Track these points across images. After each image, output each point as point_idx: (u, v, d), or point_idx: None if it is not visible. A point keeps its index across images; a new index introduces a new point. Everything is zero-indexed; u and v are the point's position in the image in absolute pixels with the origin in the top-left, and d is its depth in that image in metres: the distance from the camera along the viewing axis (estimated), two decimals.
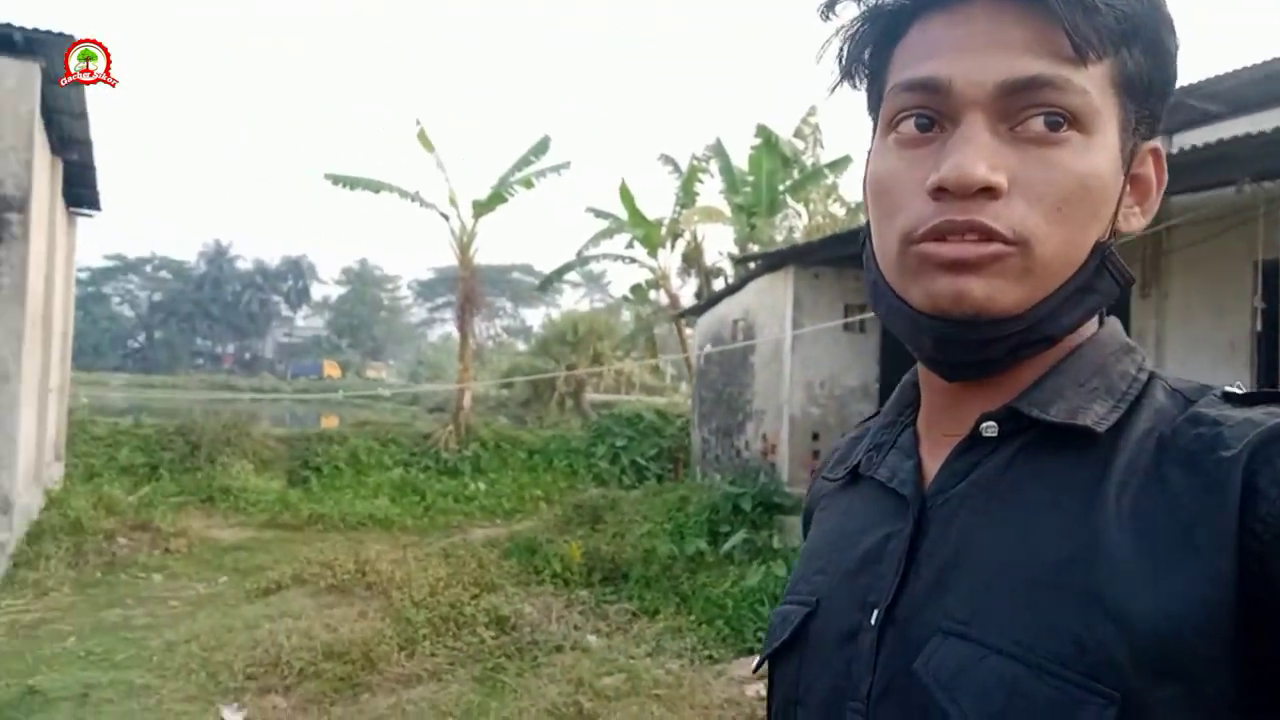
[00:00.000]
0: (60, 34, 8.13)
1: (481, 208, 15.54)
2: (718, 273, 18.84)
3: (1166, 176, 0.70)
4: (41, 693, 5.08)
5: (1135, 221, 0.70)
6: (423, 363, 55.99)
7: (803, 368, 9.87)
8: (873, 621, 0.70)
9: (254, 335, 70.33)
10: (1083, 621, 0.59)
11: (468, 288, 16.27)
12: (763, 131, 16.45)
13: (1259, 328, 6.12)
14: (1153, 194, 0.70)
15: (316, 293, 73.64)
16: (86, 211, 13.09)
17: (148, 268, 67.03)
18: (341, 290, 72.69)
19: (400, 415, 22.68)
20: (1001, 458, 0.69)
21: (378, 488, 12.65)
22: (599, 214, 18.66)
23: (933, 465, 0.74)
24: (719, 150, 17.47)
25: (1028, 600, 0.62)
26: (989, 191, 0.64)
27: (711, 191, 23.49)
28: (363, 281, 71.71)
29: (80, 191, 12.08)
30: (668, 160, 18.62)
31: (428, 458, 14.15)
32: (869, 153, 0.75)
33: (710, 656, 5.97)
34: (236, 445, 13.18)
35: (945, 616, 0.65)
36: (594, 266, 23.87)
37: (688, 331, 16.97)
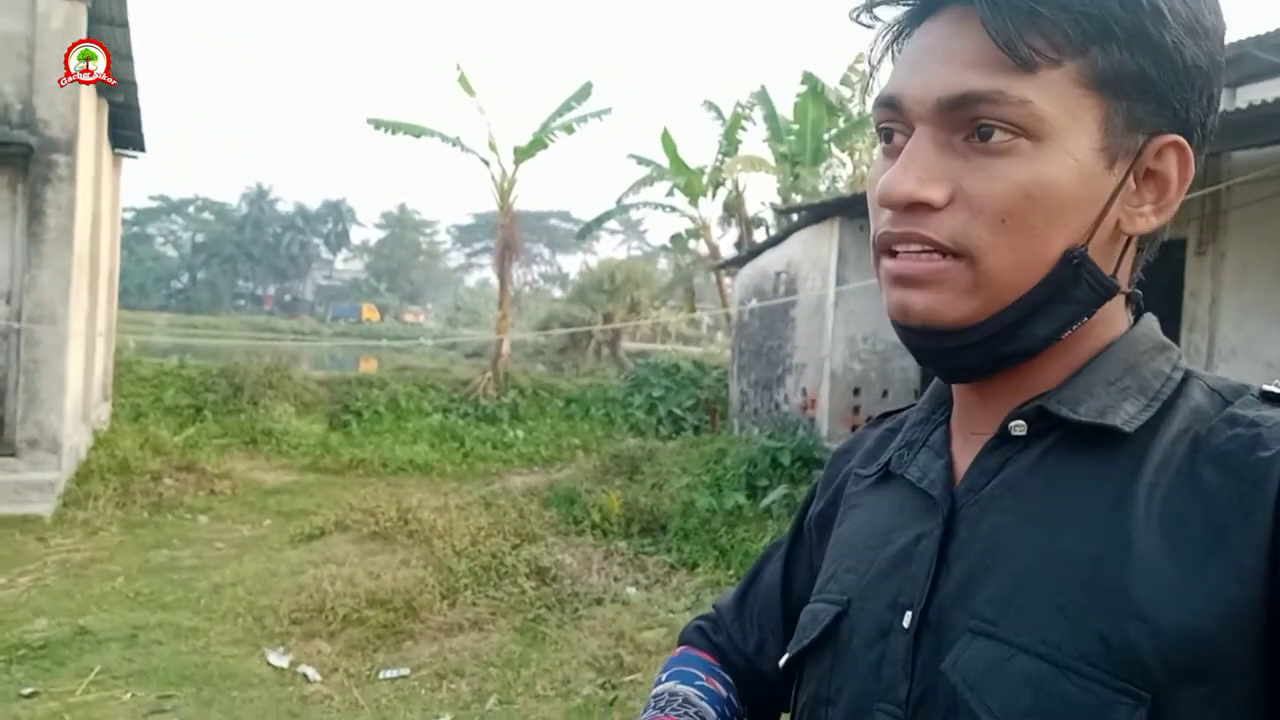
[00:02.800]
0: None
1: (522, 154, 15.44)
2: (759, 223, 18.63)
3: (1192, 172, 0.66)
4: (92, 633, 5.17)
5: (1143, 222, 0.67)
6: (460, 307, 56.38)
7: (845, 322, 9.74)
8: (905, 624, 0.69)
9: (294, 277, 70.88)
10: (1111, 621, 0.59)
11: (507, 234, 16.23)
12: (808, 79, 16.12)
13: None
14: (1171, 191, 0.67)
15: (356, 236, 74.03)
16: (131, 153, 13.11)
17: (190, 209, 67.56)
18: (380, 234, 72.99)
19: (438, 360, 22.81)
20: (1030, 456, 0.69)
21: (417, 433, 12.72)
22: (640, 161, 18.47)
23: (963, 464, 0.74)
24: (763, 98, 17.16)
25: (1056, 600, 0.61)
26: (925, 205, 0.65)
27: (755, 140, 23.19)
28: (401, 225, 71.88)
29: (125, 133, 12.10)
30: (711, 107, 18.34)
31: (466, 404, 14.22)
32: None
33: None
34: (278, 388, 13.30)
35: (973, 616, 0.65)
36: (633, 214, 23.71)
37: (726, 282, 16.82)
